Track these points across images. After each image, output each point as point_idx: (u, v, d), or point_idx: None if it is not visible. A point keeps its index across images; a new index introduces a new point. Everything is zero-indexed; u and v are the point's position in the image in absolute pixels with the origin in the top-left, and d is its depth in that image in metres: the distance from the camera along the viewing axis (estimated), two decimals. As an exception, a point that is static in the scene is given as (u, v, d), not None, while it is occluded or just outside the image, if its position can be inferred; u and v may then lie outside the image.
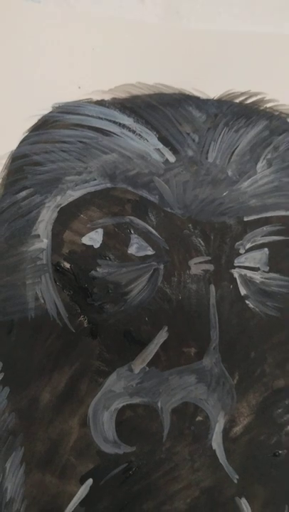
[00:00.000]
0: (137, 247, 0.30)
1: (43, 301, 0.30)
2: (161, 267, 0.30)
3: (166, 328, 0.30)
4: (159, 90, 0.32)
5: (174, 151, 0.31)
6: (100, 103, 0.32)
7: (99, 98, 0.32)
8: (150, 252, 0.31)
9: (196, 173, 0.31)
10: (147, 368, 0.30)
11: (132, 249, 0.30)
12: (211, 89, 0.32)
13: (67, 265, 0.30)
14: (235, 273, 0.31)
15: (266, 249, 0.31)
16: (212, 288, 0.31)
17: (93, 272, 0.30)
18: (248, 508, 0.30)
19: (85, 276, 0.30)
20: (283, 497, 0.30)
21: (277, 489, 0.30)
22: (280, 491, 0.30)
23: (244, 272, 0.31)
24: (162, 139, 0.31)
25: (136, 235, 0.30)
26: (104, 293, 0.30)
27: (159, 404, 0.30)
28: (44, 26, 0.32)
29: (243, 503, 0.30)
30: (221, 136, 0.31)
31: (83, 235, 0.31)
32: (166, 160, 0.31)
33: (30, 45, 0.31)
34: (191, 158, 0.31)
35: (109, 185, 0.31)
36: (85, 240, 0.31)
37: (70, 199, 0.31)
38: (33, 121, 0.31)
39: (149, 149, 0.31)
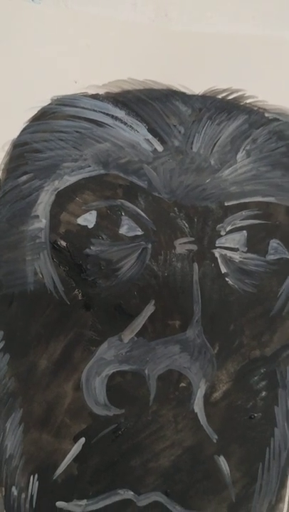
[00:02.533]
0: (127, 228, 0.31)
1: (41, 275, 0.31)
2: (149, 246, 0.31)
3: (153, 302, 0.31)
4: (148, 86, 0.33)
5: (162, 141, 0.32)
6: (95, 97, 0.32)
7: (94, 92, 0.32)
8: (139, 232, 0.31)
9: (182, 162, 0.32)
10: (136, 338, 0.31)
11: (122, 230, 0.31)
12: (196, 86, 0.32)
13: (64, 243, 0.31)
14: (217, 253, 0.32)
15: (245, 231, 0.32)
16: (195, 266, 0.31)
17: (87, 250, 0.31)
18: (226, 464, 0.31)
19: (79, 253, 0.31)
20: (257, 455, 0.31)
21: (252, 448, 0.31)
22: (254, 450, 0.31)
23: (224, 252, 0.32)
24: (151, 130, 0.32)
25: (126, 217, 0.31)
26: (97, 269, 0.31)
27: (146, 371, 0.31)
28: (44, 26, 0.32)
29: (221, 460, 0.31)
30: (205, 128, 0.32)
31: (78, 216, 0.31)
32: (155, 149, 0.32)
33: (31, 43, 0.32)
34: (177, 148, 0.32)
35: (102, 171, 0.31)
36: (80, 221, 0.31)
37: (67, 183, 0.32)
38: (33, 112, 0.32)
39: (139, 139, 0.32)
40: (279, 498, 0.31)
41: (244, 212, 0.32)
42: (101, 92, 0.32)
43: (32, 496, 0.30)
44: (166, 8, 0.33)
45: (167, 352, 0.31)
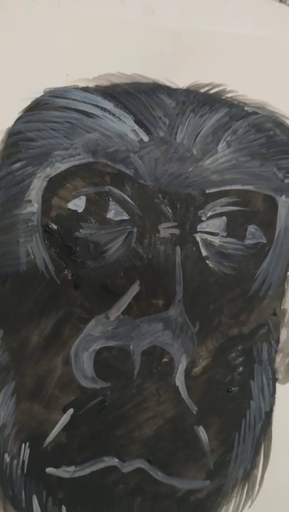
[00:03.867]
0: (114, 213, 0.32)
1: (33, 256, 0.32)
2: (135, 230, 0.32)
3: (138, 282, 0.32)
4: (136, 80, 0.34)
5: (148, 132, 0.33)
6: (85, 89, 0.33)
7: (84, 85, 0.33)
8: (125, 217, 0.32)
9: (166, 151, 0.33)
10: (121, 316, 0.32)
11: (110, 214, 0.32)
12: (180, 80, 0.34)
13: (55, 227, 0.32)
14: (198, 237, 0.33)
15: (224, 217, 0.33)
16: (178, 249, 0.32)
17: (77, 233, 0.32)
18: (205, 434, 0.32)
19: (69, 236, 0.32)
20: (234, 426, 0.33)
21: (229, 419, 0.32)
22: (231, 421, 0.32)
23: (205, 236, 0.33)
24: (138, 122, 0.33)
25: (114, 202, 0.32)
26: (85, 251, 0.32)
27: (131, 347, 0.32)
28: (37, 22, 0.34)
29: (201, 430, 0.32)
30: (188, 120, 0.33)
31: (69, 201, 0.32)
32: (141, 139, 0.33)
33: (26, 38, 0.33)
34: (162, 138, 0.33)
35: (91, 159, 0.32)
36: (70, 206, 0.32)
37: (58, 170, 0.32)
38: (27, 103, 0.33)
39: (127, 130, 0.33)
40: (253, 465, 0.32)
41: (224, 199, 0.33)
42: (91, 84, 0.33)
43: (23, 463, 0.31)
44: (153, 6, 0.34)
45: (151, 329, 0.32)
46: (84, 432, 0.31)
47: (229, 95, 0.34)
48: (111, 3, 0.34)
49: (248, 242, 0.33)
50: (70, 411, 0.32)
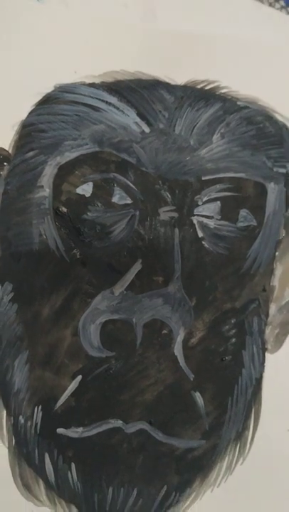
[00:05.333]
0: (118, 197, 0.34)
1: (45, 237, 0.34)
2: (137, 213, 0.34)
3: (140, 261, 0.34)
4: (138, 76, 0.35)
5: (149, 124, 0.34)
6: (92, 85, 0.35)
7: (91, 81, 0.35)
8: (129, 201, 0.34)
9: (166, 142, 0.34)
10: (125, 292, 0.34)
11: (115, 199, 0.34)
12: (178, 77, 0.35)
13: (65, 210, 0.34)
14: (194, 220, 0.34)
15: (219, 202, 0.34)
16: (176, 231, 0.34)
17: (84, 216, 0.34)
18: (201, 399, 0.34)
19: (78, 218, 0.34)
20: (227, 391, 0.35)
21: (223, 385, 0.34)
22: (225, 387, 0.34)
23: (201, 219, 0.34)
24: (140, 115, 0.34)
25: (118, 188, 0.34)
26: (92, 232, 0.34)
27: (133, 320, 0.33)
28: (48, 24, 0.36)
29: (197, 395, 0.34)
30: (186, 113, 0.35)
31: (77, 187, 0.34)
32: (143, 131, 0.34)
33: (38, 39, 0.35)
34: (161, 130, 0.34)
35: (98, 149, 0.34)
36: (79, 191, 0.34)
37: (68, 159, 0.34)
38: (39, 97, 0.34)
39: (130, 122, 0.34)
40: (245, 427, 0.35)
41: (218, 186, 0.34)
42: (97, 81, 0.35)
43: (36, 424, 0.33)
44: (154, 9, 0.36)
45: (152, 304, 0.33)
46: (91, 397, 0.33)
47: (223, 91, 0.36)
48: (115, 7, 0.36)
49: (240, 224, 0.35)
50: (79, 377, 0.33)
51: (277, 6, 0.38)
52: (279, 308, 0.36)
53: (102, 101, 0.34)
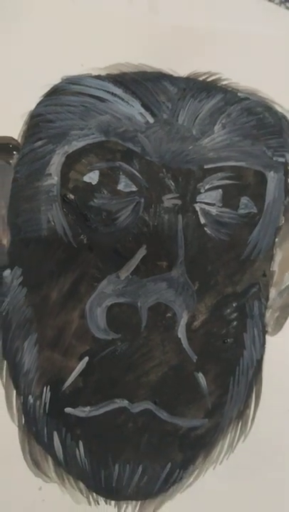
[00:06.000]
0: (124, 185, 0.35)
1: (53, 223, 0.34)
2: (142, 200, 0.35)
3: (145, 247, 0.35)
4: (142, 69, 0.36)
5: (153, 114, 0.35)
6: (98, 77, 0.35)
7: (97, 73, 0.36)
8: (134, 188, 0.35)
9: (169, 132, 0.35)
10: (130, 276, 0.34)
11: (120, 186, 0.35)
12: (181, 70, 0.36)
13: (72, 197, 0.35)
14: (197, 207, 0.35)
15: (220, 190, 0.35)
16: (179, 217, 0.35)
17: (91, 202, 0.34)
18: (204, 379, 0.35)
19: (85, 205, 0.34)
20: (229, 372, 0.36)
21: (225, 366, 0.35)
22: (227, 368, 0.35)
23: (203, 206, 0.35)
24: (144, 106, 0.35)
25: (124, 176, 0.35)
26: (99, 218, 0.35)
27: (138, 304, 0.34)
28: (56, 19, 0.36)
29: (200, 376, 0.35)
30: (188, 104, 0.35)
31: (84, 175, 0.34)
32: (147, 121, 0.35)
33: (47, 33, 0.36)
34: (165, 120, 0.35)
35: (104, 138, 0.34)
36: (86, 179, 0.34)
37: (75, 148, 0.34)
38: (46, 89, 0.35)
39: (134, 113, 0.35)
40: (246, 406, 0.36)
41: (220, 174, 0.35)
42: (103, 73, 0.36)
43: (45, 403, 0.34)
44: (158, 4, 0.37)
45: (156, 288, 0.34)
46: (98, 377, 0.34)
47: (224, 83, 0.36)
48: (120, 2, 0.37)
49: (241, 211, 0.36)
50: (86, 359, 0.34)
51: (276, 0, 0.39)
52: (279, 292, 0.37)
53: (108, 92, 0.35)
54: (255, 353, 0.36)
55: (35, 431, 0.34)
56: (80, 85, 0.35)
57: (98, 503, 0.34)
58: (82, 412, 0.34)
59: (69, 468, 0.34)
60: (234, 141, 0.36)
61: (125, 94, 0.35)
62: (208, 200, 0.35)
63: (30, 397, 0.34)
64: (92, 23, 0.37)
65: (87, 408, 0.34)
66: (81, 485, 0.34)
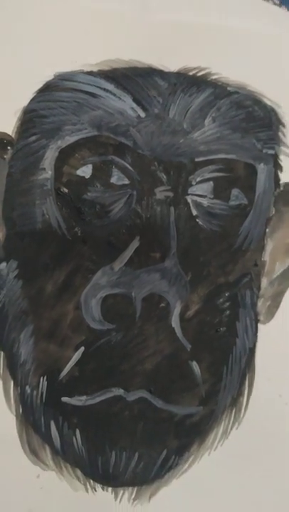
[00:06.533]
0: (117, 178, 0.35)
1: (47, 216, 0.35)
2: (135, 193, 0.35)
3: (138, 238, 0.35)
4: (133, 64, 0.36)
5: (144, 109, 0.35)
6: (90, 73, 0.36)
7: (88, 69, 0.36)
8: (126, 181, 0.35)
9: (160, 126, 0.35)
10: (124, 267, 0.35)
11: (113, 179, 0.35)
12: (172, 65, 0.36)
13: (66, 190, 0.35)
14: (189, 199, 0.35)
15: (211, 182, 0.36)
16: (172, 209, 0.35)
17: (85, 196, 0.35)
18: (197, 368, 0.35)
19: (78, 198, 0.35)
20: (222, 360, 0.36)
21: (218, 354, 0.36)
22: (220, 356, 0.36)
23: (195, 198, 0.35)
24: (135, 100, 0.35)
25: (116, 169, 0.35)
26: (92, 211, 0.35)
27: (132, 294, 0.34)
28: (49, 16, 0.37)
29: (194, 364, 0.35)
30: (179, 99, 0.36)
31: (77, 169, 0.35)
32: (139, 115, 0.35)
33: (40, 30, 0.37)
34: (156, 114, 0.35)
35: (96, 133, 0.35)
36: (79, 172, 0.35)
37: (68, 143, 0.35)
38: (39, 85, 0.35)
39: (126, 107, 0.35)
40: (239, 393, 0.36)
41: (211, 167, 0.36)
42: (94, 69, 0.36)
43: (42, 393, 0.35)
44: (149, 0, 0.37)
45: (150, 279, 0.35)
46: (94, 367, 0.35)
47: (214, 77, 0.37)
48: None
49: (232, 203, 0.36)
50: (81, 349, 0.35)
51: (264, -3, 0.40)
52: (270, 281, 0.37)
53: (100, 88, 0.36)
54: (247, 342, 0.36)
55: (33, 420, 0.35)
56: (73, 81, 0.36)
57: (95, 490, 0.35)
58: (79, 401, 0.35)
59: (66, 456, 0.35)
60: (224, 134, 0.36)
61: (117, 90, 0.36)
62: (200, 192, 0.36)
63: (27, 387, 0.35)
64: (84, 19, 0.37)
65: (84, 397, 0.35)
66: (78, 472, 0.35)
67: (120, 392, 0.34)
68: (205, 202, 0.36)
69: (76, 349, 0.35)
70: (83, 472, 0.35)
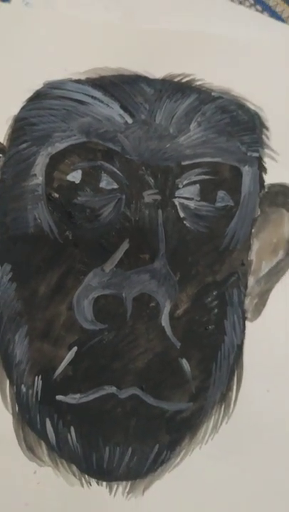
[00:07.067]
0: (106, 183, 0.36)
1: (39, 221, 0.36)
2: (123, 197, 0.36)
3: (127, 240, 0.36)
4: (120, 72, 0.37)
5: (131, 115, 0.36)
6: (78, 81, 0.37)
7: (77, 78, 0.37)
8: (115, 186, 0.36)
9: (147, 131, 0.36)
10: (115, 269, 0.35)
11: (102, 184, 0.36)
12: (157, 72, 0.37)
13: (57, 195, 0.36)
14: (176, 201, 0.36)
15: (198, 184, 0.36)
16: (160, 212, 0.36)
17: (75, 200, 0.36)
18: (187, 365, 0.36)
19: (69, 203, 0.36)
20: (211, 357, 0.37)
21: (207, 352, 0.37)
22: (209, 353, 0.37)
23: (182, 200, 0.36)
24: (123, 107, 0.36)
25: (105, 174, 0.36)
26: (83, 215, 0.36)
27: (123, 295, 0.35)
28: (37, 26, 0.38)
29: (184, 362, 0.36)
30: (165, 105, 0.36)
31: (68, 174, 0.35)
32: (126, 121, 0.36)
33: (29, 40, 0.38)
34: (143, 120, 0.36)
35: (85, 139, 0.35)
36: (69, 178, 0.35)
37: (58, 149, 0.35)
38: (29, 93, 0.36)
39: (114, 114, 0.36)
40: (228, 389, 0.37)
41: (197, 170, 0.36)
42: (82, 77, 0.37)
43: (37, 392, 0.35)
44: (132, 10, 0.38)
45: (140, 279, 0.35)
46: (87, 366, 0.35)
47: (198, 83, 0.37)
48: (97, 9, 0.38)
49: (218, 205, 0.37)
50: (75, 348, 0.35)
51: (247, 3, 0.41)
52: (257, 280, 0.38)
53: (88, 95, 0.36)
54: (235, 339, 0.37)
55: (29, 418, 0.36)
56: (61, 89, 0.37)
57: (90, 485, 0.36)
58: (73, 399, 0.35)
59: (62, 453, 0.36)
60: (210, 138, 0.37)
61: (104, 97, 0.36)
62: (187, 194, 0.36)
63: (22, 386, 0.36)
64: (72, 29, 0.38)
65: (78, 395, 0.35)
66: (74, 468, 0.36)
67: (113, 389, 0.35)
68: (192, 204, 0.36)
69: (69, 349, 0.35)
70: (78, 468, 0.36)
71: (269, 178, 0.38)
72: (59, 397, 0.35)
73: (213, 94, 0.38)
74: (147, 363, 0.36)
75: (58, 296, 0.36)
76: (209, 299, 0.37)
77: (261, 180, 0.38)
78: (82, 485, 0.36)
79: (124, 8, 0.38)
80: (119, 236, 0.36)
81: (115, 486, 0.36)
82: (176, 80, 0.38)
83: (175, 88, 0.37)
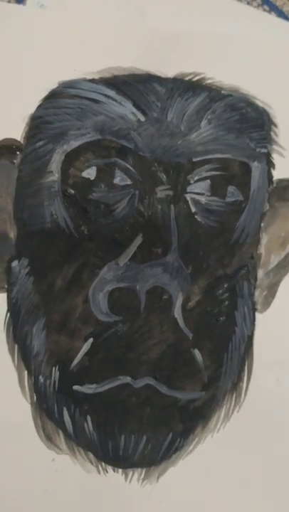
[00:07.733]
0: (120, 179, 0.36)
1: (56, 216, 0.36)
2: (137, 192, 0.36)
3: (141, 235, 0.36)
4: (132, 71, 0.38)
5: (144, 113, 0.37)
6: (92, 81, 0.37)
7: (90, 77, 0.37)
8: (129, 182, 0.36)
9: (159, 129, 0.37)
10: (129, 263, 0.36)
11: (116, 180, 0.36)
12: (169, 71, 0.38)
13: (72, 191, 0.36)
14: (188, 197, 0.37)
15: (208, 180, 0.37)
16: (172, 207, 0.36)
17: (90, 196, 0.36)
18: (199, 355, 0.37)
19: (84, 199, 0.36)
20: (223, 347, 0.38)
21: (218, 342, 0.38)
22: (220, 343, 0.38)
23: (194, 196, 0.37)
24: (135, 105, 0.37)
25: (119, 171, 0.36)
26: (98, 210, 0.36)
27: (137, 287, 0.36)
28: (49, 27, 0.39)
29: (196, 352, 0.37)
30: (176, 103, 0.37)
31: (83, 171, 0.36)
32: (139, 119, 0.37)
33: (42, 40, 0.38)
34: (155, 118, 0.37)
35: (99, 137, 0.36)
36: (84, 174, 0.36)
37: (73, 147, 0.36)
38: (45, 93, 0.37)
39: (127, 112, 0.37)
40: (239, 378, 0.38)
41: (208, 166, 0.37)
42: (96, 77, 0.37)
43: (55, 382, 0.36)
44: (143, 9, 0.39)
45: (153, 272, 0.36)
46: (102, 357, 0.36)
47: (208, 82, 0.38)
48: (109, 8, 0.39)
49: (228, 199, 0.37)
50: (90, 340, 0.36)
51: (255, 4, 0.42)
52: (266, 272, 0.39)
53: (102, 94, 0.37)
54: (246, 330, 0.38)
55: (47, 407, 0.37)
56: (76, 89, 0.37)
57: (107, 472, 0.37)
58: (89, 389, 0.36)
59: (79, 441, 0.37)
60: (220, 135, 0.37)
61: (118, 96, 0.37)
62: (198, 190, 0.37)
63: (40, 377, 0.36)
64: (83, 29, 0.39)
65: (94, 385, 0.36)
66: (90, 455, 0.37)
67: (127, 379, 0.36)
68: (203, 199, 0.37)
69: (85, 340, 0.36)
70: (95, 455, 0.37)
71: (277, 174, 0.39)
72: (76, 387, 0.36)
73: (222, 92, 0.38)
74: (161, 354, 0.37)
75: (74, 289, 0.37)
76: (220, 291, 0.38)
77: (270, 176, 0.39)
78: (99, 472, 0.37)
79: (135, 8, 0.39)
80: (133, 231, 0.37)
81: (131, 473, 0.37)
82: (186, 78, 0.38)
83: (186, 87, 0.38)
